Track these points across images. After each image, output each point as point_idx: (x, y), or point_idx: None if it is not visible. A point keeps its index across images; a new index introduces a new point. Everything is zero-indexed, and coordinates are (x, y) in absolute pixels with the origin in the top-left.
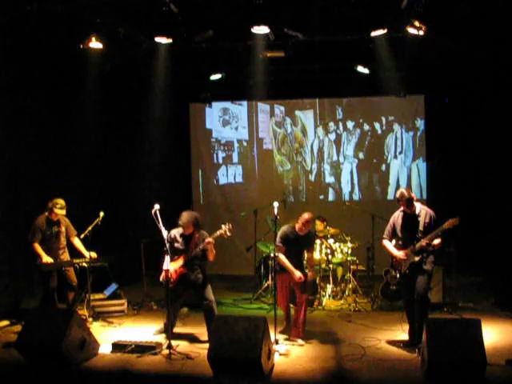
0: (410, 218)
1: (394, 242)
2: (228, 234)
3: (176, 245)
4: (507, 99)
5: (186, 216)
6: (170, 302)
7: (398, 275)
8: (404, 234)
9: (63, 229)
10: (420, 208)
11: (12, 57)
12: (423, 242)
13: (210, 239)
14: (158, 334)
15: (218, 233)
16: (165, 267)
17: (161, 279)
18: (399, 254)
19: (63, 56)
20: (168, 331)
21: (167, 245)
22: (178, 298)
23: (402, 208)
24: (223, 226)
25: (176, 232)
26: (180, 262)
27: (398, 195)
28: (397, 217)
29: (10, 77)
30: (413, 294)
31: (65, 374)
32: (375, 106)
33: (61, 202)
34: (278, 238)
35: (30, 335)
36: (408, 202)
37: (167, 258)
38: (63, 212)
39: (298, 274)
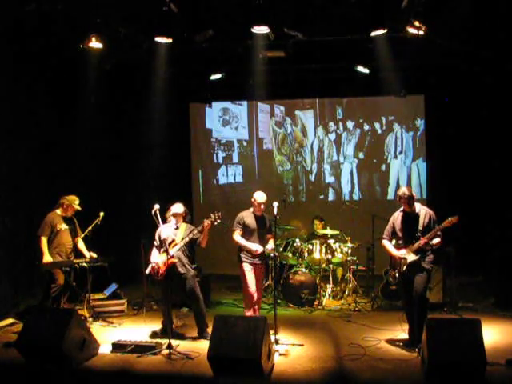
0: (410, 218)
1: (393, 242)
2: (218, 220)
3: (163, 238)
4: (507, 99)
5: (181, 206)
6: (164, 298)
7: (397, 275)
8: (403, 233)
9: (72, 227)
10: (420, 208)
11: (12, 57)
12: (421, 242)
13: (208, 222)
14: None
15: (209, 221)
16: (152, 260)
17: (147, 272)
18: (398, 253)
19: (63, 56)
20: (167, 330)
21: (159, 240)
22: (171, 294)
23: (402, 208)
24: (212, 215)
25: (161, 229)
26: (169, 251)
27: (399, 193)
28: (396, 216)
29: (11, 77)
30: (412, 293)
31: (65, 374)
32: (375, 106)
33: (77, 198)
34: (234, 223)
35: (29, 335)
36: (409, 201)
37: (155, 252)
38: (80, 207)
39: (254, 246)
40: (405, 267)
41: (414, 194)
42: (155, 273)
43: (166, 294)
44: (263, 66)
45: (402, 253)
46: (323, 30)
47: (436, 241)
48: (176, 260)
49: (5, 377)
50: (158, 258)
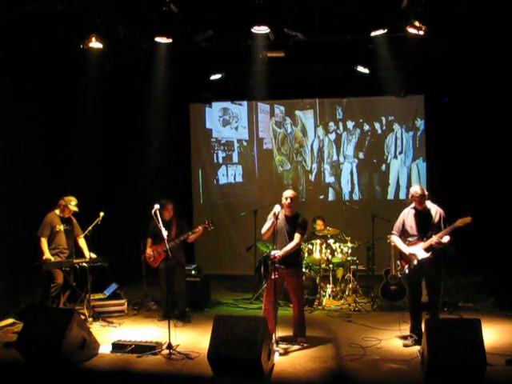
0: (421, 215)
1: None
2: (210, 228)
3: (159, 231)
4: (507, 99)
5: (171, 201)
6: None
7: (407, 271)
8: (417, 230)
9: (72, 227)
10: (430, 205)
11: (12, 57)
12: (434, 240)
13: (200, 227)
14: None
15: (201, 227)
16: (149, 249)
17: (142, 258)
18: (409, 250)
19: (63, 56)
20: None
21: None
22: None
23: (412, 205)
24: (206, 221)
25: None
26: (167, 244)
27: (412, 192)
28: (407, 213)
29: (10, 77)
30: (419, 290)
31: (65, 374)
32: (375, 106)
33: (74, 199)
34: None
35: (30, 335)
36: (422, 199)
37: (149, 242)
38: (76, 209)
39: (273, 251)
40: (415, 263)
41: (426, 193)
42: (151, 261)
43: (165, 284)
44: (263, 66)
45: (413, 249)
46: (323, 30)
47: (447, 239)
48: (171, 254)
49: (5, 377)
50: (152, 249)
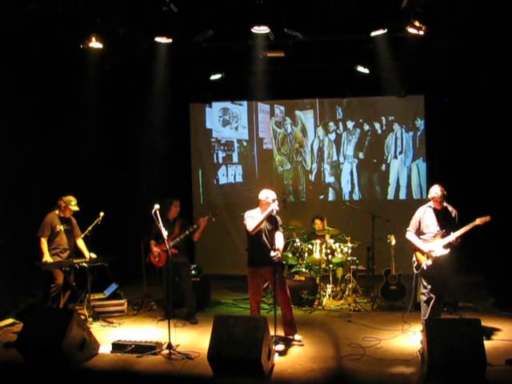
0: (441, 214)
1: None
2: (213, 219)
3: (162, 231)
4: (507, 99)
5: (177, 198)
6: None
7: (425, 267)
8: (434, 228)
9: (72, 227)
10: (446, 204)
11: (12, 57)
12: (454, 237)
13: (203, 219)
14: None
15: (205, 219)
16: (153, 249)
17: (147, 260)
18: (429, 247)
19: (63, 56)
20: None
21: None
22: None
23: (429, 204)
24: (210, 213)
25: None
26: (167, 244)
27: (433, 194)
28: (423, 212)
29: (10, 77)
30: (435, 286)
31: (65, 374)
32: (375, 106)
33: (73, 198)
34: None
35: (30, 335)
36: (443, 200)
37: (153, 242)
38: (77, 208)
39: (272, 252)
40: (433, 258)
41: (445, 193)
42: (157, 261)
43: (167, 282)
44: (263, 66)
45: (432, 246)
46: (323, 30)
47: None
48: (176, 251)
49: (5, 377)
50: (157, 248)
